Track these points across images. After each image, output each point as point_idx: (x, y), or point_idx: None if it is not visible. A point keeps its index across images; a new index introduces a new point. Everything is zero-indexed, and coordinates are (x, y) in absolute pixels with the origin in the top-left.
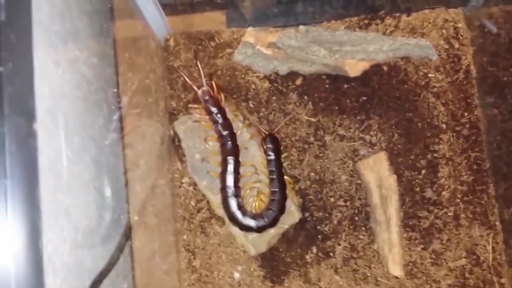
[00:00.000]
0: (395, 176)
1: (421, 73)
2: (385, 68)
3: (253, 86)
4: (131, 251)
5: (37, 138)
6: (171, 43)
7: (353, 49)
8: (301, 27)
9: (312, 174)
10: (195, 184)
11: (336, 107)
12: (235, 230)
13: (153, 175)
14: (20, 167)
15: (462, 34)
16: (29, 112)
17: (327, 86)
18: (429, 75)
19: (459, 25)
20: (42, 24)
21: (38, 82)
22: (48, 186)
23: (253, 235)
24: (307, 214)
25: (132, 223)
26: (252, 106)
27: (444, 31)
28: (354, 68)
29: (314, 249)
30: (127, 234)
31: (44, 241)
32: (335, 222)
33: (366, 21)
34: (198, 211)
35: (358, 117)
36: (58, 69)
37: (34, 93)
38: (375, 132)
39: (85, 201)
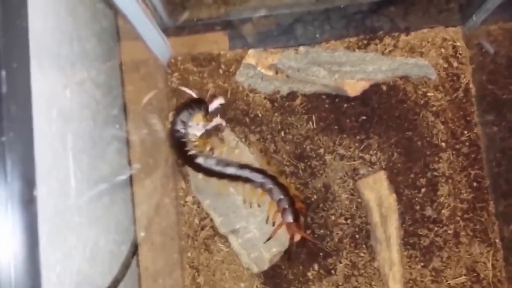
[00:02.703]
0: (394, 195)
1: (420, 92)
2: (384, 87)
3: (254, 106)
4: (138, 268)
5: (37, 203)
6: (174, 65)
7: (352, 69)
8: (301, 48)
9: (313, 192)
10: (198, 203)
11: (336, 127)
12: (237, 248)
13: (158, 193)
14: (22, 231)
15: (461, 52)
16: (30, 179)
17: (327, 105)
18: (428, 94)
19: (458, 43)
20: (50, 51)
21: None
22: (58, 207)
23: (255, 254)
24: (308, 232)
25: (138, 240)
26: (253, 125)
27: (443, 50)
28: (354, 88)
29: (316, 267)
30: (134, 251)
31: (53, 261)
32: (336, 240)
33: (365, 41)
34: (202, 229)
35: (358, 137)
36: (66, 91)
37: (34, 160)
38: (374, 151)
39: (93, 219)
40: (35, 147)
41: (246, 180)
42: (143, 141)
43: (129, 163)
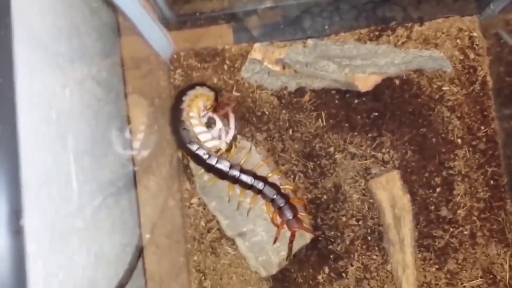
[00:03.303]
0: (408, 195)
1: (435, 86)
2: (397, 81)
3: (261, 103)
4: (143, 272)
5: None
6: (177, 61)
7: (363, 63)
8: (309, 41)
9: (323, 193)
10: (204, 205)
11: (347, 124)
12: (245, 251)
13: (162, 195)
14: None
15: (477, 43)
16: (16, 209)
17: (337, 102)
18: (444, 88)
19: (475, 34)
20: (48, 49)
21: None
22: (59, 212)
23: (263, 257)
24: (319, 233)
25: (143, 243)
26: (260, 123)
27: (458, 40)
28: (365, 82)
29: (326, 269)
30: (139, 254)
31: (55, 268)
32: (348, 242)
33: (376, 33)
34: (208, 232)
35: (370, 134)
36: (66, 91)
37: (21, 189)
38: (387, 150)
39: (97, 222)
40: (22, 164)
41: (235, 181)
42: (147, 140)
43: (133, 162)
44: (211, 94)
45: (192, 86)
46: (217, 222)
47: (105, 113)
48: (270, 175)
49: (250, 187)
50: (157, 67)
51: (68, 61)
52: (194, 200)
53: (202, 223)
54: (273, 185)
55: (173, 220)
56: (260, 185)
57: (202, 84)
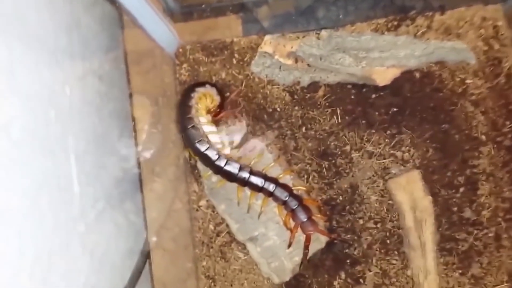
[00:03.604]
0: (430, 197)
1: (457, 79)
2: (417, 75)
3: (272, 99)
4: (151, 278)
5: None
6: (183, 55)
7: (381, 55)
8: (323, 33)
9: (339, 194)
10: (213, 207)
11: (364, 121)
12: (256, 256)
13: (169, 197)
14: None
15: (502, 33)
16: None
17: (353, 97)
18: (467, 81)
19: (499, 23)
20: (46, 45)
21: None
22: (60, 218)
23: (275, 263)
24: (334, 236)
25: (150, 248)
26: (271, 120)
27: (482, 30)
28: (383, 76)
29: (343, 275)
30: (145, 259)
31: (56, 279)
32: (365, 246)
33: (395, 23)
34: (218, 235)
35: (388, 131)
36: (65, 88)
37: None
38: (407, 148)
39: (101, 225)
40: None
41: (244, 184)
42: (152, 139)
43: (138, 163)
44: (217, 99)
45: (202, 84)
46: (227, 225)
47: (107, 111)
48: (281, 175)
49: (260, 189)
50: (162, 61)
51: (68, 56)
52: (202, 203)
53: (211, 227)
54: (284, 187)
55: (180, 224)
56: (271, 187)
57: (213, 84)
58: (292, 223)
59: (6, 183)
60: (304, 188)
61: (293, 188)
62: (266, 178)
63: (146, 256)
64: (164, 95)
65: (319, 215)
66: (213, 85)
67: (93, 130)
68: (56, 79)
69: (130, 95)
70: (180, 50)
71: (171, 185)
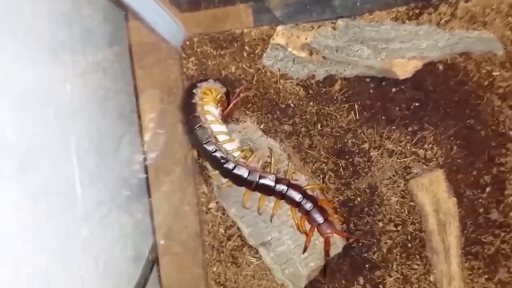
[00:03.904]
0: (455, 199)
1: (483, 71)
2: (440, 67)
3: (285, 94)
4: (160, 285)
5: None
6: (190, 48)
7: (402, 46)
8: (340, 22)
9: (357, 194)
10: (223, 209)
11: (383, 116)
12: (270, 262)
13: (177, 199)
14: None
15: None
16: None
17: (371, 91)
18: (494, 73)
19: None
20: (43, 40)
21: None
22: (60, 225)
23: (290, 269)
24: (351, 240)
25: (158, 253)
26: (284, 117)
27: (510, 18)
28: (404, 68)
29: (361, 280)
30: (152, 265)
31: None
32: (385, 250)
33: (416, 11)
34: (228, 239)
35: (410, 128)
36: (66, 85)
37: None
38: (430, 145)
39: (105, 230)
40: None
41: (254, 188)
42: (159, 137)
43: (144, 162)
44: (222, 90)
45: (204, 79)
46: (238, 228)
47: (111, 107)
48: (293, 176)
49: (271, 192)
50: (168, 55)
51: (68, 51)
52: (212, 205)
53: (221, 230)
54: (297, 188)
55: (188, 227)
56: (282, 189)
57: (215, 79)
58: (307, 226)
59: None
60: (319, 188)
61: (307, 189)
62: (277, 180)
63: (153, 261)
64: (170, 90)
65: (335, 216)
66: (215, 79)
67: (96, 128)
68: (55, 76)
69: (135, 91)
70: (187, 42)
71: (179, 186)
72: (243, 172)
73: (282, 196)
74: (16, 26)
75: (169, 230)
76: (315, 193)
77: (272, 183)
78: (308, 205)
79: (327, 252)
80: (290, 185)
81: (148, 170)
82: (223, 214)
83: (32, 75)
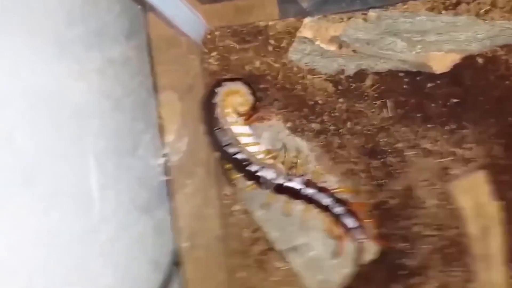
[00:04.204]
0: (498, 202)
1: None
2: (480, 60)
3: (313, 90)
4: None
5: None
6: (212, 42)
7: (439, 39)
8: (371, 14)
9: (391, 197)
10: (248, 212)
11: (419, 114)
12: (299, 268)
13: (199, 201)
14: None
15: None
16: None
17: (405, 86)
18: None
19: None
20: (56, 35)
21: None
22: (75, 232)
23: (320, 276)
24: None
25: (180, 256)
26: (312, 114)
27: None
28: (441, 62)
29: None
30: (173, 268)
31: None
32: (422, 256)
33: (454, 0)
34: (254, 243)
35: (447, 126)
36: (81, 83)
37: None
38: (469, 145)
39: (123, 234)
40: None
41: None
42: (180, 136)
43: (165, 161)
44: (250, 100)
45: (233, 79)
46: (265, 232)
47: (130, 104)
48: (322, 177)
49: (298, 196)
50: (188, 50)
51: (84, 45)
52: (236, 207)
53: (247, 234)
54: (326, 191)
55: (212, 231)
56: (310, 192)
57: (247, 83)
58: (337, 231)
59: (7, 202)
60: (350, 190)
61: (336, 191)
62: (305, 183)
63: (174, 267)
64: (190, 87)
65: (368, 221)
66: (246, 83)
67: (114, 126)
68: (69, 73)
69: (154, 88)
70: (208, 36)
71: (201, 188)
72: (267, 174)
73: (309, 200)
74: (26, 21)
75: (191, 234)
76: (346, 196)
77: (299, 186)
78: (338, 209)
79: (358, 259)
80: (318, 188)
81: (169, 170)
82: (248, 217)
83: (44, 73)
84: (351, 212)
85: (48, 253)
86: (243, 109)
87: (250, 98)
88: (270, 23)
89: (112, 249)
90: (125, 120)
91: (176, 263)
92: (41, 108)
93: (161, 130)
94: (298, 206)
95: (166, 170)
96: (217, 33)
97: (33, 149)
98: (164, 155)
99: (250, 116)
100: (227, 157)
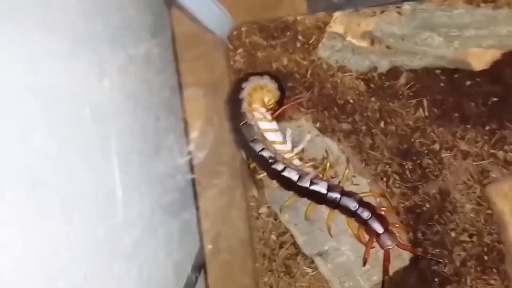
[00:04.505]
0: None
1: None
2: None
3: (344, 88)
4: None
5: None
6: (238, 38)
7: (478, 34)
8: (406, 7)
9: (425, 200)
10: (275, 215)
11: (456, 113)
12: (327, 274)
13: (224, 202)
14: None
15: None
16: None
17: (443, 84)
18: None
19: None
20: (76, 31)
21: None
22: (98, 233)
23: (350, 283)
24: (419, 251)
25: (205, 260)
26: (343, 114)
27: None
28: (480, 58)
29: None
30: (198, 271)
31: None
32: (458, 263)
33: None
34: (281, 247)
35: (487, 127)
36: (104, 81)
37: None
38: (510, 147)
39: (148, 236)
40: None
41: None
42: (205, 136)
43: (190, 161)
44: (276, 95)
45: (260, 73)
46: (292, 235)
47: (155, 102)
48: (353, 180)
49: (323, 201)
50: (213, 47)
51: (107, 42)
52: (263, 210)
53: (273, 237)
54: (352, 195)
55: (238, 234)
56: (335, 197)
57: (274, 77)
58: (366, 237)
59: (25, 204)
60: (380, 194)
61: (364, 195)
62: (331, 187)
63: (198, 270)
64: (216, 85)
65: (398, 225)
66: (274, 77)
67: (139, 125)
68: (91, 71)
69: (179, 85)
70: (234, 32)
71: (227, 189)
72: (293, 175)
73: (335, 205)
74: (46, 17)
75: (216, 236)
76: (378, 199)
77: (324, 190)
78: (365, 214)
79: (386, 268)
80: (345, 193)
81: (195, 171)
82: (275, 219)
83: (65, 71)
84: (379, 217)
85: (70, 255)
86: (270, 103)
87: (277, 93)
88: (299, 18)
89: (136, 252)
90: (149, 119)
91: (201, 266)
92: (59, 107)
93: (185, 127)
94: (322, 210)
95: (192, 170)
96: (243, 29)
97: (51, 150)
98: (189, 156)
99: (277, 110)
100: (252, 154)
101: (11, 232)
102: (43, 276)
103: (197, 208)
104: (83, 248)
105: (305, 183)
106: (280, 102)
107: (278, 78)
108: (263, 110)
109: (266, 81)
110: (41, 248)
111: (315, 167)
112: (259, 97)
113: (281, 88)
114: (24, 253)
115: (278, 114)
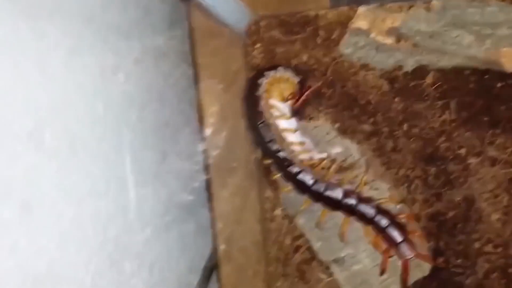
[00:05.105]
0: None
1: None
2: None
3: (366, 88)
4: None
5: None
6: (256, 33)
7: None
8: (435, 3)
9: (449, 208)
10: (290, 217)
11: (486, 117)
12: (343, 282)
13: (237, 203)
14: None
15: None
16: None
17: (472, 86)
18: None
19: None
20: (90, 24)
21: None
22: (109, 232)
23: None
24: (440, 261)
25: (217, 262)
26: (364, 114)
27: None
28: None
29: None
30: (209, 273)
31: None
32: (481, 275)
33: None
34: (296, 251)
35: None
36: (119, 74)
37: None
38: None
39: (161, 231)
40: None
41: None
42: (221, 133)
43: (205, 160)
44: (295, 80)
45: (273, 67)
46: (307, 240)
47: (170, 96)
48: (372, 184)
49: (338, 207)
50: (230, 41)
51: (122, 34)
52: (278, 212)
53: (288, 241)
54: (369, 202)
55: (251, 236)
56: (351, 203)
57: (286, 66)
58: (383, 245)
59: (38, 203)
60: (400, 200)
61: (382, 202)
62: (346, 194)
63: (210, 272)
64: (233, 81)
65: (418, 234)
66: (287, 66)
67: (153, 120)
68: (105, 65)
69: (195, 81)
70: (252, 27)
71: (241, 188)
72: (308, 179)
73: (351, 212)
74: (60, 10)
75: (229, 237)
76: (397, 206)
77: (340, 196)
78: (383, 222)
79: (404, 280)
80: (362, 199)
81: (209, 169)
82: (290, 222)
83: (77, 65)
84: (398, 225)
85: (79, 255)
86: (289, 92)
87: (295, 80)
88: (320, 12)
89: (149, 250)
90: (165, 114)
91: (213, 267)
92: (73, 103)
93: (201, 125)
94: (336, 217)
95: (206, 168)
96: (262, 23)
97: (64, 146)
98: (204, 151)
99: (298, 99)
100: (269, 154)
101: (18, 232)
102: (51, 272)
103: (211, 208)
104: (93, 246)
105: (320, 188)
106: (300, 89)
107: (290, 66)
108: (282, 105)
109: (281, 73)
110: (48, 248)
111: (333, 170)
112: (278, 90)
113: (299, 73)
114: (33, 249)
115: (301, 103)
